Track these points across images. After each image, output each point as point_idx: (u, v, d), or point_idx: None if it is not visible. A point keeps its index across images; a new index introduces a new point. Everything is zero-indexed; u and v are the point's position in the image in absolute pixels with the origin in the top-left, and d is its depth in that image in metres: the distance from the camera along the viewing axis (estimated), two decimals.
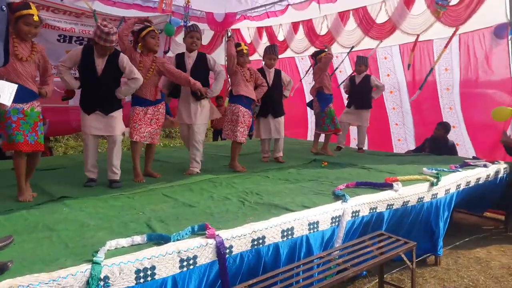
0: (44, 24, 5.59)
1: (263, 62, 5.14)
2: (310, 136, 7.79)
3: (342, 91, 6.72)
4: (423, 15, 5.55)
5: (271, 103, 5.04)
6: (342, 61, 7.06)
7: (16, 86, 1.99)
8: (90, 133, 3.64)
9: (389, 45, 6.39)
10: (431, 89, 6.00)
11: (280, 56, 7.87)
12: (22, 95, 2.93)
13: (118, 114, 3.72)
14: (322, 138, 5.63)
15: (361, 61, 5.95)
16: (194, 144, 4.28)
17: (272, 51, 5.05)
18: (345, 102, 6.44)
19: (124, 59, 3.67)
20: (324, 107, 5.42)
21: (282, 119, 5.14)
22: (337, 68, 7.16)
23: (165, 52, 6.75)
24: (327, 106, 5.40)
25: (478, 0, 4.96)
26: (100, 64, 3.57)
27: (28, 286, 1.69)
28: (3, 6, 1.69)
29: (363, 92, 5.96)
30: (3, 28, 1.70)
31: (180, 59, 4.29)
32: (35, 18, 2.99)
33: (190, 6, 6.10)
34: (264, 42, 8.14)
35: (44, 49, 3.27)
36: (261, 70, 5.06)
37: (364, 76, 5.97)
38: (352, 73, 6.45)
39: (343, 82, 6.45)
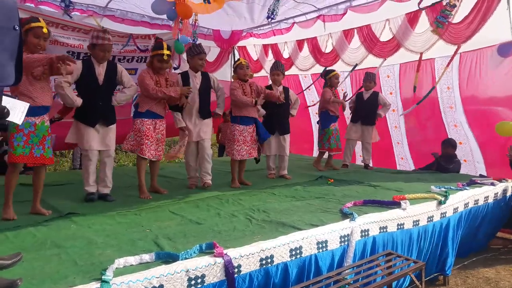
0: (53, 40, 5.70)
1: (270, 80, 5.21)
2: (316, 152, 7.78)
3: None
4: (426, 33, 5.61)
5: (277, 120, 5.09)
6: (344, 79, 7.09)
7: (28, 105, 2.01)
8: (97, 148, 3.66)
9: (392, 63, 6.44)
10: (435, 107, 6.00)
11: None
12: (37, 110, 3.07)
13: (114, 128, 3.80)
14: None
15: (371, 78, 5.99)
16: (207, 158, 4.39)
17: (275, 67, 5.14)
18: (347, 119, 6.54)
19: (122, 68, 3.83)
20: (324, 126, 5.80)
21: (288, 136, 5.20)
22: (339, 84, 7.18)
23: (175, 69, 6.82)
24: (327, 126, 5.77)
25: (481, 18, 5.00)
26: (101, 73, 3.65)
27: None
28: (16, 26, 1.71)
29: (371, 108, 5.99)
30: (15, 47, 1.72)
31: (186, 78, 4.33)
32: (44, 30, 3.10)
33: (198, 24, 6.20)
34: (270, 59, 8.21)
35: None
36: (269, 87, 5.11)
37: (373, 93, 6.00)
38: (359, 89, 6.45)
39: (349, 98, 6.44)
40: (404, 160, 6.70)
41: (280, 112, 5.11)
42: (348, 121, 6.42)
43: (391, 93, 6.63)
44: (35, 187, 3.23)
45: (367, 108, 5.99)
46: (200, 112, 4.33)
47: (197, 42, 6.03)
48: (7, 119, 1.83)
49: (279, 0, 5.67)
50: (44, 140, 3.16)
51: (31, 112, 2.98)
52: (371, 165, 6.14)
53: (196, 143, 4.38)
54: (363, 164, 6.12)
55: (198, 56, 4.30)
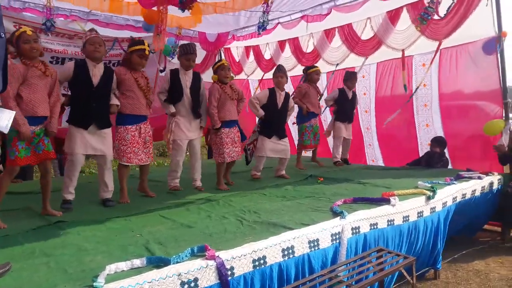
0: None
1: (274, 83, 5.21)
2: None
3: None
4: (408, 30, 5.67)
5: (277, 125, 5.09)
6: (328, 80, 7.12)
7: (14, 113, 1.98)
8: (83, 152, 3.57)
9: (369, 63, 6.49)
10: (408, 105, 6.00)
11: (266, 76, 7.99)
12: (35, 120, 3.13)
13: (109, 132, 3.74)
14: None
15: (355, 77, 6.04)
16: (199, 159, 4.46)
17: (278, 70, 5.15)
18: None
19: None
20: (297, 122, 5.99)
21: (287, 140, 5.20)
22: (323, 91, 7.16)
23: (161, 71, 6.79)
24: (300, 122, 5.89)
25: (463, 13, 5.07)
26: (96, 74, 3.59)
27: None
28: (2, 33, 1.70)
29: (353, 106, 6.16)
30: (2, 55, 1.71)
31: (175, 76, 4.28)
32: (28, 32, 3.09)
33: (182, 35, 6.27)
34: (251, 60, 8.29)
35: (57, 72, 3.36)
36: (272, 90, 5.10)
37: (353, 92, 6.11)
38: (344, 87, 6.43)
39: (333, 98, 6.27)
40: (375, 162, 6.74)
41: (279, 117, 5.13)
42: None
43: (364, 94, 6.68)
44: (43, 189, 3.31)
45: (351, 107, 6.08)
46: (193, 111, 4.32)
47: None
48: None
49: (268, 14, 5.68)
50: (44, 138, 3.21)
51: (32, 121, 3.08)
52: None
53: (187, 142, 4.37)
54: (338, 160, 6.11)
55: (185, 57, 4.27)
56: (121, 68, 3.93)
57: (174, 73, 4.30)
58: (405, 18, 5.68)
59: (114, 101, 3.79)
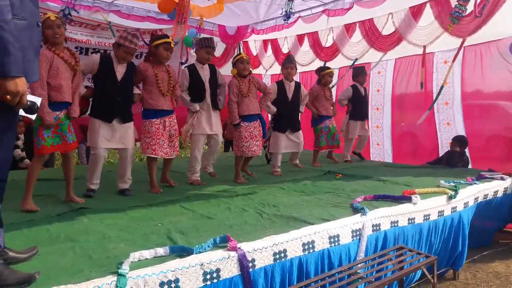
0: None
1: (283, 75, 5.18)
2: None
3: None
4: (430, 26, 5.57)
5: (289, 118, 5.06)
6: (342, 77, 7.05)
7: (40, 99, 2.01)
8: (106, 147, 3.63)
9: (386, 59, 6.38)
10: (427, 103, 5.88)
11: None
12: (61, 106, 3.19)
13: (132, 125, 3.79)
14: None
15: (365, 71, 5.98)
16: (216, 152, 4.52)
17: (288, 61, 5.08)
18: None
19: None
20: (312, 124, 5.83)
21: (300, 133, 5.18)
22: (334, 85, 7.03)
23: (182, 63, 6.80)
24: (315, 124, 5.76)
25: (489, 10, 4.95)
26: (120, 71, 3.64)
27: None
28: (39, 22, 1.72)
29: (367, 102, 6.09)
30: (39, 44, 1.73)
31: (194, 72, 4.29)
32: (52, 18, 3.12)
33: (203, 27, 6.28)
34: (269, 54, 8.23)
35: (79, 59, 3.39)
36: (280, 83, 5.07)
37: (364, 87, 6.04)
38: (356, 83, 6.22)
39: (347, 96, 6.09)
40: (381, 162, 6.63)
41: (292, 109, 5.09)
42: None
43: (378, 90, 6.57)
44: (66, 177, 3.37)
45: (365, 103, 6.02)
46: (212, 103, 4.34)
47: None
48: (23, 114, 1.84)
49: (293, 1, 5.62)
50: (70, 127, 3.31)
51: (56, 106, 3.13)
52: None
53: (206, 137, 4.39)
54: (347, 158, 6.08)
55: (205, 49, 4.28)
56: (144, 63, 3.97)
57: (192, 69, 4.30)
58: (428, 14, 5.58)
59: (136, 91, 3.88)
